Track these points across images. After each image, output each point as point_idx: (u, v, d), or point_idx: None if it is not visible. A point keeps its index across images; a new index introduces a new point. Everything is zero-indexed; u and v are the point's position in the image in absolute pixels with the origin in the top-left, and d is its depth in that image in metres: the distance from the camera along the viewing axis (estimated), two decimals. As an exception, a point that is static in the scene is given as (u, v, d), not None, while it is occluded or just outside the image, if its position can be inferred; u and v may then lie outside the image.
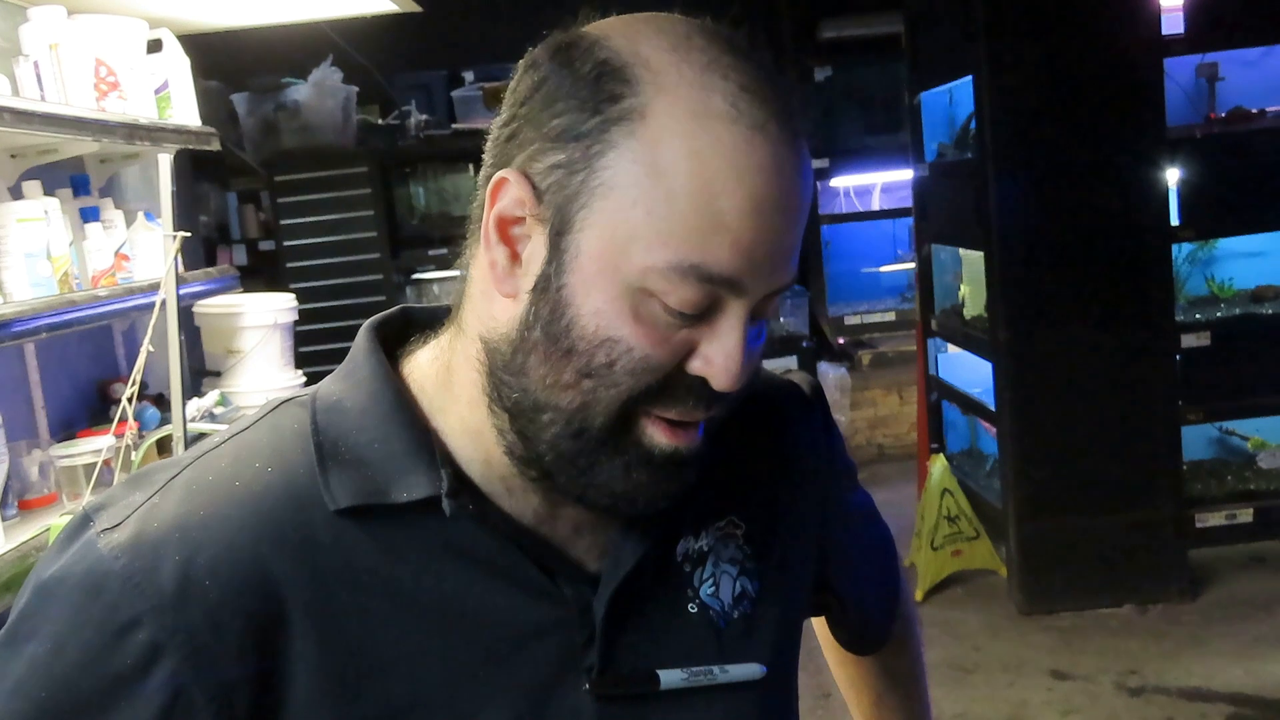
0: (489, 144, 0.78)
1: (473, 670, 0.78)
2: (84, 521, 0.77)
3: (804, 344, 5.73)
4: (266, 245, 5.83)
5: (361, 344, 0.84)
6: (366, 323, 0.87)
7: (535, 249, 0.74)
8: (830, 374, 6.10)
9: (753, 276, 0.71)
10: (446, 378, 0.81)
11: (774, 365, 5.71)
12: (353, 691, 0.76)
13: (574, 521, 0.82)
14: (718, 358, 0.72)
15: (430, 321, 0.86)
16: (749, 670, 0.86)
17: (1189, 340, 4.12)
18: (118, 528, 0.75)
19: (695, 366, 0.73)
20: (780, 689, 0.91)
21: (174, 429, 2.19)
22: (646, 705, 0.83)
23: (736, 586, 0.88)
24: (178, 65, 2.79)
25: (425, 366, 0.83)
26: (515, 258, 0.75)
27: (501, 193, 0.74)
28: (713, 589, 0.87)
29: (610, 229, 0.71)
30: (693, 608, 0.86)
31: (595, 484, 0.76)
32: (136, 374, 1.99)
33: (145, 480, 0.80)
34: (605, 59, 0.72)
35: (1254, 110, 4.26)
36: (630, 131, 0.70)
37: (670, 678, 0.83)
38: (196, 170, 5.61)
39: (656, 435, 0.75)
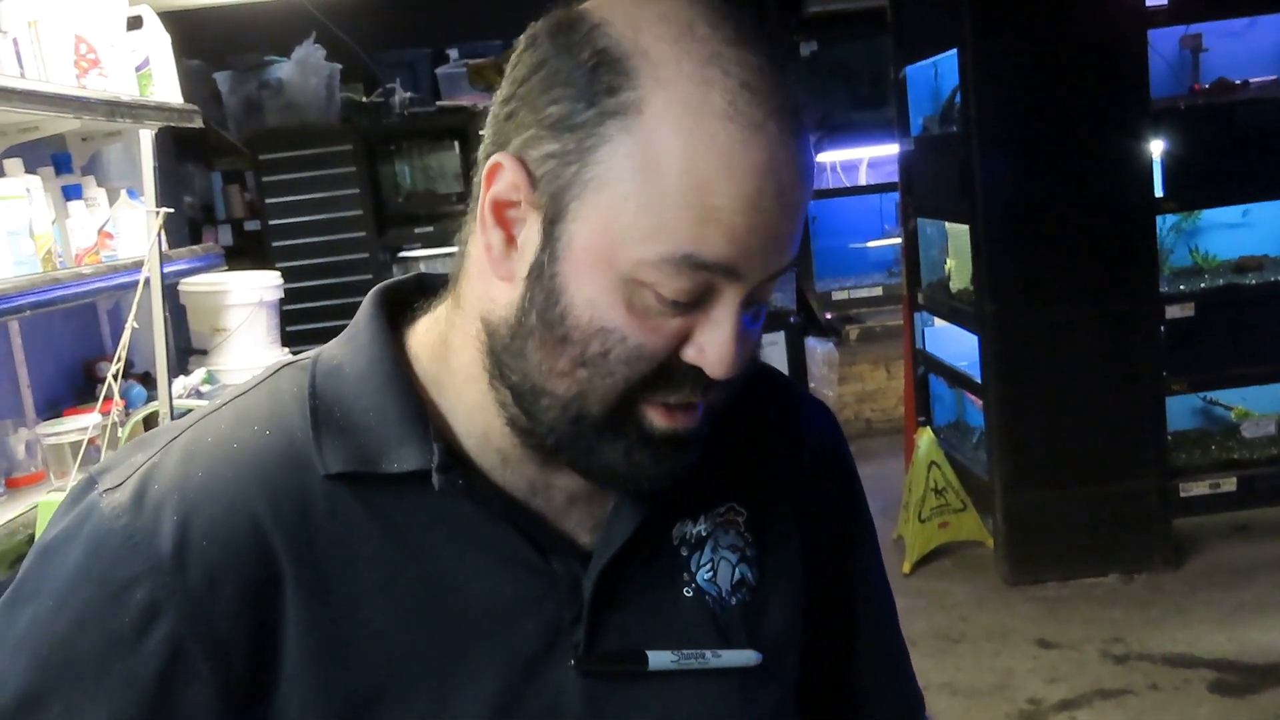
0: (489, 119, 0.77)
1: (459, 642, 0.78)
2: (88, 484, 0.78)
3: (791, 319, 5.72)
4: (252, 225, 5.81)
5: (365, 309, 0.85)
6: (375, 287, 0.87)
7: (530, 234, 0.73)
8: (818, 349, 6.12)
9: (748, 263, 0.71)
10: (443, 351, 0.81)
11: (761, 340, 5.71)
12: (340, 657, 0.76)
13: (569, 492, 0.82)
14: (711, 346, 0.72)
15: (439, 290, 0.85)
16: (743, 657, 0.85)
17: (1173, 311, 4.14)
18: (119, 488, 0.76)
19: (689, 355, 0.73)
20: (776, 680, 0.89)
21: (160, 406, 2.19)
22: (634, 685, 0.82)
23: (735, 574, 0.87)
24: (158, 42, 2.77)
25: (422, 336, 0.83)
26: (511, 241, 0.75)
27: (497, 177, 0.74)
28: (710, 574, 0.86)
29: (603, 222, 0.70)
30: (688, 591, 0.85)
31: (597, 464, 0.76)
32: (121, 351, 1.99)
33: (147, 442, 0.81)
34: (605, 48, 0.70)
35: (1237, 81, 4.27)
36: (625, 126, 0.69)
37: (659, 659, 0.82)
38: (181, 151, 5.58)
39: (655, 418, 0.75)
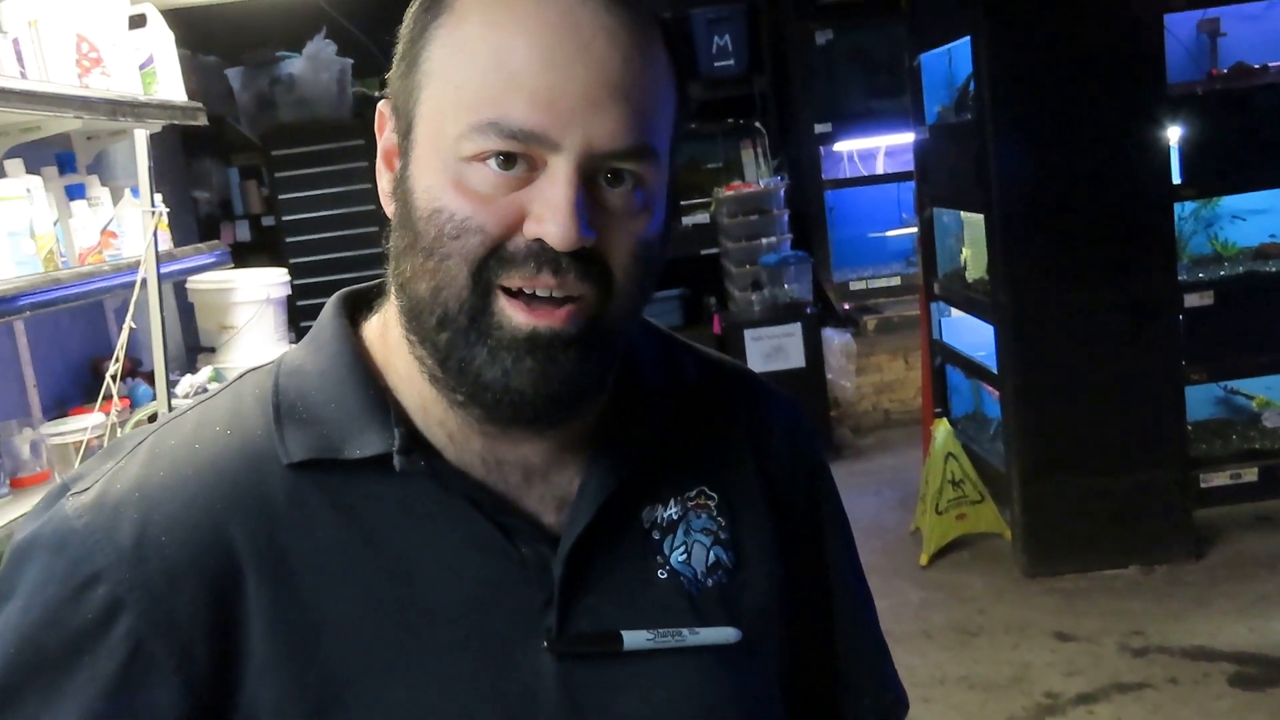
0: None
1: (428, 630, 0.78)
2: (60, 489, 0.80)
3: (808, 310, 5.69)
4: (269, 221, 5.83)
5: (327, 310, 0.87)
6: (338, 291, 0.89)
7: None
8: (835, 340, 6.08)
9: (560, 128, 0.72)
10: (386, 329, 0.84)
11: (778, 331, 5.70)
12: (307, 648, 0.77)
13: (522, 468, 0.82)
14: (545, 212, 0.72)
15: None
16: (721, 634, 0.85)
17: (1192, 300, 4.10)
18: (85, 491, 0.78)
19: (530, 229, 0.73)
20: (758, 658, 0.88)
21: (159, 405, 2.19)
22: (610, 666, 0.81)
23: (710, 556, 0.87)
24: (162, 40, 2.77)
25: (375, 324, 0.85)
26: (394, 182, 0.80)
27: (382, 126, 0.80)
28: (684, 556, 0.86)
29: (431, 112, 0.75)
30: (662, 574, 0.85)
31: (473, 378, 0.76)
32: (119, 351, 1.99)
33: (116, 448, 0.83)
34: None
35: (1256, 66, 4.21)
36: (441, 24, 0.75)
37: (634, 639, 0.81)
38: (198, 147, 5.60)
39: (514, 315, 0.74)
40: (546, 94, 0.71)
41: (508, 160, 0.73)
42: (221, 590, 0.76)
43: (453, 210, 0.73)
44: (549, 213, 0.72)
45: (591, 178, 0.74)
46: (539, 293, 0.74)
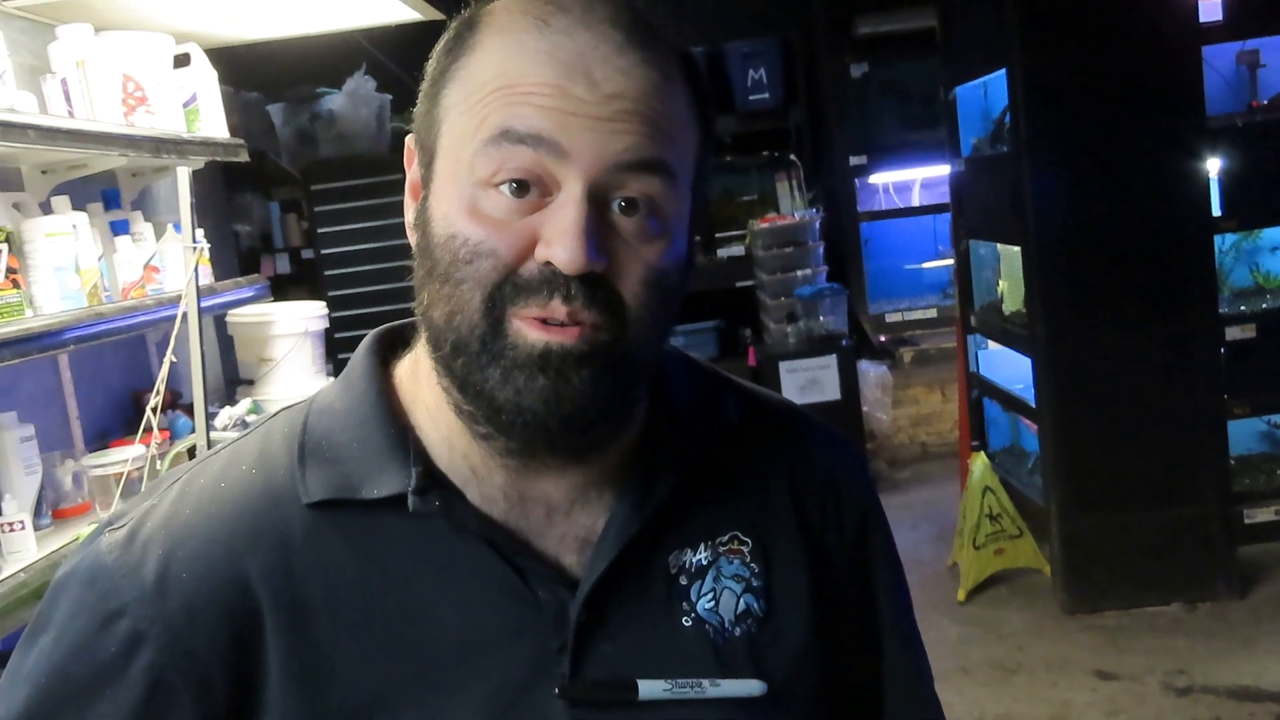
0: None
1: (440, 673, 0.78)
2: (102, 527, 0.83)
3: (843, 342, 5.67)
4: (309, 254, 5.89)
5: (361, 347, 0.88)
6: (377, 328, 0.90)
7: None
8: (871, 372, 6.05)
9: (571, 139, 0.72)
10: (417, 365, 0.84)
11: (813, 363, 5.69)
12: (320, 687, 0.77)
13: (545, 505, 0.82)
14: (554, 235, 0.72)
15: None
16: (745, 687, 0.82)
17: (1233, 332, 4.04)
18: (120, 529, 0.81)
19: (541, 253, 0.73)
20: (787, 712, 0.85)
21: (198, 438, 2.21)
22: (625, 715, 0.80)
23: (740, 604, 0.85)
24: (206, 78, 2.82)
25: (407, 362, 0.86)
26: (417, 213, 0.81)
27: (410, 160, 0.82)
28: (712, 604, 0.84)
29: (450, 144, 0.76)
30: (687, 621, 0.83)
31: (487, 400, 0.75)
32: (160, 384, 2.01)
33: (153, 487, 0.85)
34: (468, 16, 0.79)
35: (1298, 97, 4.18)
36: (463, 64, 0.76)
37: (650, 688, 0.80)
38: (240, 180, 5.67)
39: (526, 332, 0.73)
40: (558, 110, 0.72)
41: (521, 187, 0.73)
42: (240, 626, 0.77)
43: (467, 235, 0.73)
44: (558, 236, 0.72)
45: (605, 204, 0.74)
46: (551, 319, 0.74)
